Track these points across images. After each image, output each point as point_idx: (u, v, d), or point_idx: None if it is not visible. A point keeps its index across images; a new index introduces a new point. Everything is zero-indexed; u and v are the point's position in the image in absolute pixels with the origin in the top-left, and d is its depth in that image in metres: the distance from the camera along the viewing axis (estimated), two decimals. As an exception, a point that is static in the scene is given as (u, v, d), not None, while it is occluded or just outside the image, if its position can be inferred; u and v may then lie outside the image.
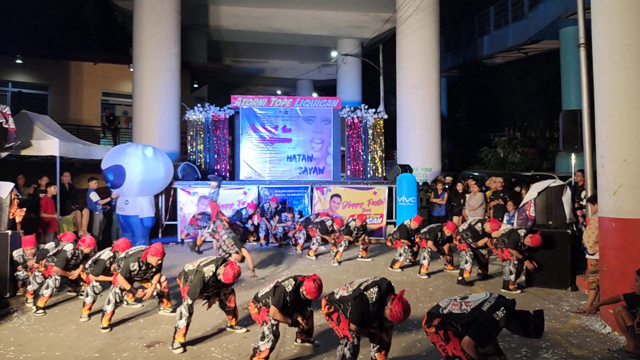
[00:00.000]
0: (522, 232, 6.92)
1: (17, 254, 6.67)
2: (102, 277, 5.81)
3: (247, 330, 5.23)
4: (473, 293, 4.29)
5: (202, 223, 10.02)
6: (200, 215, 10.23)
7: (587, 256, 6.15)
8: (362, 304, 3.90)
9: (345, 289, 4.15)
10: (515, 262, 6.90)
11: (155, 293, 5.81)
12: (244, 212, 10.46)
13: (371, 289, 3.94)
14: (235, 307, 5.26)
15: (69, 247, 6.17)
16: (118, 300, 5.41)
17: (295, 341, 4.88)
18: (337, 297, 4.13)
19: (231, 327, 5.28)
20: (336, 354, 4.06)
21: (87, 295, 5.73)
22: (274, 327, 4.30)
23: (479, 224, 7.56)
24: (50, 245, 6.59)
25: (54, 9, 18.74)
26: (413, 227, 8.50)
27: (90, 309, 5.70)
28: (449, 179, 12.38)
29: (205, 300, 5.11)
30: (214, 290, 5.06)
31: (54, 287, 6.01)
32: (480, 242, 7.45)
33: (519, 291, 6.80)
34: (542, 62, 22.11)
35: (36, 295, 6.14)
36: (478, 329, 3.52)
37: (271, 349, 4.29)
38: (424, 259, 7.91)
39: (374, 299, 3.90)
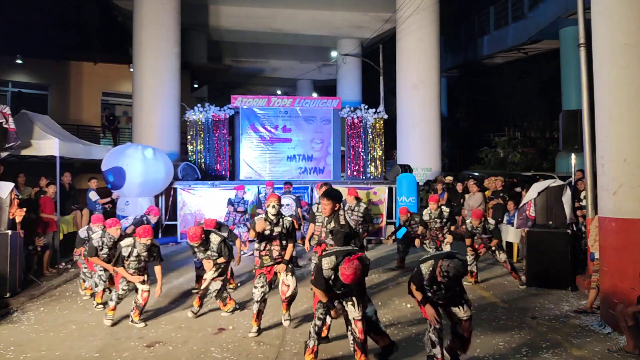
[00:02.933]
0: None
1: (82, 232, 6.63)
2: (96, 260, 5.91)
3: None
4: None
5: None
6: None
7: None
8: (318, 269, 4.13)
9: None
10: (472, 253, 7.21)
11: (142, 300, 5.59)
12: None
13: (328, 257, 4.09)
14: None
15: (95, 236, 6.00)
16: (105, 279, 6.01)
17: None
18: None
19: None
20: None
21: (96, 286, 6.14)
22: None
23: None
24: (82, 232, 6.62)
25: (54, 9, 18.67)
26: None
27: (102, 297, 6.07)
28: (449, 178, 12.37)
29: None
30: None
31: (103, 280, 6.09)
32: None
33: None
34: (542, 62, 22.04)
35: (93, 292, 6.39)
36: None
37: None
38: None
39: (330, 266, 4.03)
